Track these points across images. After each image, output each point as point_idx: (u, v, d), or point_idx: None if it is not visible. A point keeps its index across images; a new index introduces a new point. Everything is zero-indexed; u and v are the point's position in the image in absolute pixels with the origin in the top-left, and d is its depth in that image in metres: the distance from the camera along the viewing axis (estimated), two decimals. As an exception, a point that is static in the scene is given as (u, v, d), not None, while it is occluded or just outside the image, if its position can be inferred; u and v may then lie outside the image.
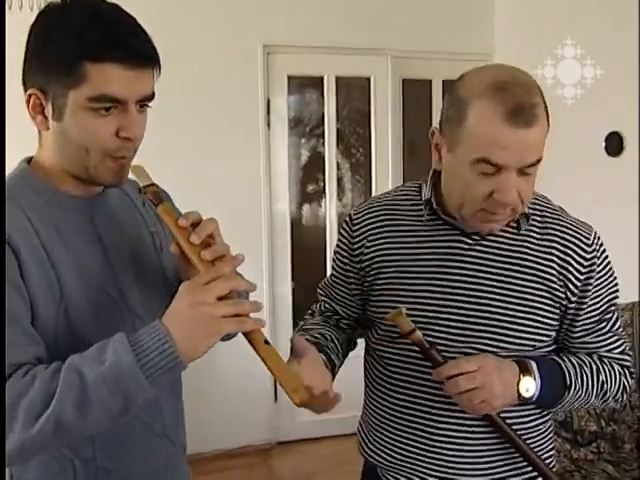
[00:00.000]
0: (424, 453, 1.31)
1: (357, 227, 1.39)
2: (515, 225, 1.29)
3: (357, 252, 1.39)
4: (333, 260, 1.49)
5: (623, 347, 1.33)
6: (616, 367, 1.32)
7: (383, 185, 3.89)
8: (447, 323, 1.27)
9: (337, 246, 1.46)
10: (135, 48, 1.03)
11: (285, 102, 3.74)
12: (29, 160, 1.16)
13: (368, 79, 3.86)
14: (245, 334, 1.00)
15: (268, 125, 3.69)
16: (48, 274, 1.03)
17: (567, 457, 2.60)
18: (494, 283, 1.27)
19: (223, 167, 3.54)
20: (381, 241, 1.36)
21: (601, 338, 1.32)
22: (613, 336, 1.33)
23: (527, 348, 1.26)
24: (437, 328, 1.27)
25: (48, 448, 0.97)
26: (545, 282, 1.27)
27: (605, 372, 1.30)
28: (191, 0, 3.47)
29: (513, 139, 1.12)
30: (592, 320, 1.30)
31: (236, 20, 3.55)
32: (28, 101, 1.07)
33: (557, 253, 1.28)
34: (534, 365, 1.23)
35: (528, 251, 1.28)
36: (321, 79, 3.78)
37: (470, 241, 1.29)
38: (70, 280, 1.05)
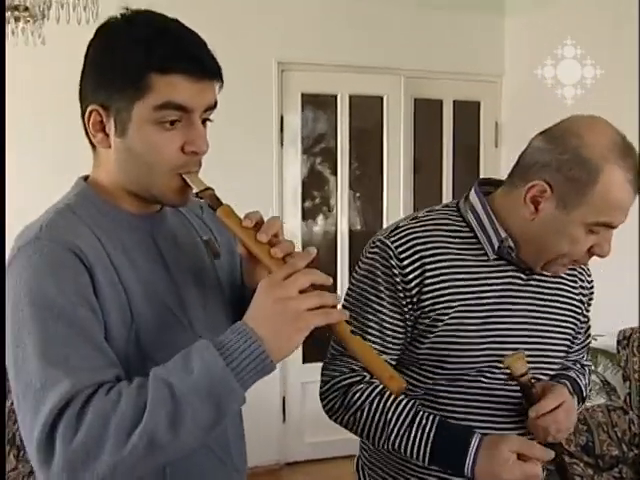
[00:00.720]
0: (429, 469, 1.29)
1: (409, 261, 1.26)
2: None
3: (415, 291, 1.25)
4: (358, 297, 1.32)
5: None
6: (587, 370, 1.47)
7: (395, 203, 3.92)
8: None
9: (369, 280, 1.29)
10: (201, 61, 1.02)
11: (298, 119, 3.75)
12: (85, 178, 1.12)
13: (381, 98, 3.88)
14: (331, 327, 0.95)
15: (281, 142, 3.69)
16: (119, 296, 0.99)
17: (590, 482, 2.59)
18: (546, 315, 1.33)
19: (236, 183, 3.49)
20: (442, 277, 1.26)
21: (584, 350, 1.47)
22: (586, 345, 1.48)
23: (555, 366, 1.37)
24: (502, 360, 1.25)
25: (138, 470, 0.90)
26: (574, 309, 1.37)
27: (586, 379, 1.44)
28: (207, 17, 3.46)
29: (632, 203, 1.20)
30: (584, 336, 1.45)
31: (251, 37, 3.54)
32: (88, 118, 1.03)
33: (580, 282, 1.39)
34: (570, 387, 1.33)
35: (564, 281, 1.37)
36: (335, 97, 3.80)
37: (524, 276, 1.31)
38: (140, 303, 1.02)
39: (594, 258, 1.25)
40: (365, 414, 1.26)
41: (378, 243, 1.30)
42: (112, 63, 1.01)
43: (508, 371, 1.23)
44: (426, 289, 1.25)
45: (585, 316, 1.42)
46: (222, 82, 1.06)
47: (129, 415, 0.87)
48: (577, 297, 1.37)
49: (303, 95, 3.74)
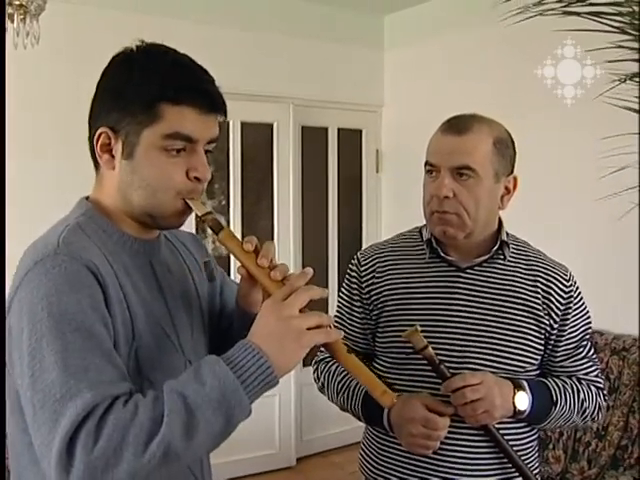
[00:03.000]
0: (431, 469, 1.45)
1: (365, 267, 1.57)
2: (501, 254, 1.50)
3: (367, 289, 1.56)
4: (340, 302, 1.62)
5: (597, 371, 1.54)
6: (592, 388, 1.52)
7: (285, 226, 4.04)
8: (447, 347, 1.44)
9: (346, 286, 1.62)
10: (210, 95, 1.08)
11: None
12: (86, 199, 1.15)
13: (271, 125, 4.01)
14: (328, 344, 1.04)
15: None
16: (124, 314, 1.04)
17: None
18: (487, 312, 1.46)
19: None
20: (387, 277, 1.54)
21: (578, 363, 1.52)
22: (589, 361, 1.53)
23: (517, 369, 1.45)
24: (438, 353, 1.40)
25: (153, 477, 0.93)
26: (531, 310, 1.47)
27: (584, 392, 1.49)
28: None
29: (442, 143, 1.45)
30: (571, 346, 1.50)
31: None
32: (97, 139, 1.08)
33: (541, 286, 1.49)
34: (525, 383, 1.42)
35: (516, 283, 1.49)
36: (227, 124, 3.84)
37: (465, 275, 1.49)
38: (141, 322, 1.06)
39: None
40: (327, 380, 1.60)
41: (354, 257, 1.62)
42: (127, 90, 1.06)
43: (411, 345, 1.39)
44: (375, 287, 1.54)
45: (564, 325, 1.48)
46: (226, 117, 1.13)
47: (147, 426, 0.91)
48: (536, 301, 1.46)
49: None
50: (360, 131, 4.38)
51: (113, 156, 1.09)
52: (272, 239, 4.03)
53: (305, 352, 1.00)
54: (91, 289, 0.99)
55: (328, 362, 1.61)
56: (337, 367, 1.59)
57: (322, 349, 1.59)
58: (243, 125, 3.91)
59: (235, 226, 3.95)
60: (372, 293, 1.55)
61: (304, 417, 4.13)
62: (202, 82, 1.09)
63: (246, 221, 3.98)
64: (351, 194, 4.39)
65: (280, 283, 1.06)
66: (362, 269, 1.57)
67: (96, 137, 1.09)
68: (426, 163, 1.47)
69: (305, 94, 4.02)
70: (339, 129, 4.28)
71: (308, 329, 0.99)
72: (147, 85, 1.06)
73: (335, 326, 1.49)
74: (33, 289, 0.97)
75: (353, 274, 1.60)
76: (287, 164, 4.04)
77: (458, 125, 1.44)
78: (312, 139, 4.20)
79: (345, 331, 1.58)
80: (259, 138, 4.04)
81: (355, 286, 1.58)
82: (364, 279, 1.56)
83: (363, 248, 1.67)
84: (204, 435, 0.94)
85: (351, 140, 4.35)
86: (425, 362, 1.40)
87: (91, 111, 1.12)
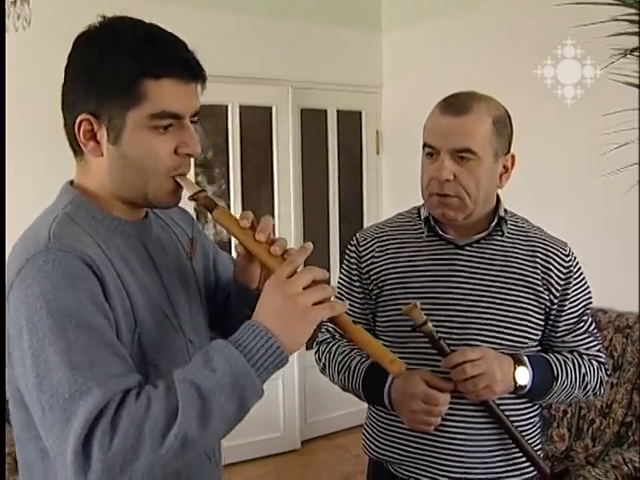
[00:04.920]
0: (433, 446, 1.45)
1: (364, 247, 1.57)
2: (499, 230, 1.49)
3: (366, 269, 1.56)
4: (341, 282, 1.62)
5: (598, 346, 1.55)
6: (594, 363, 1.52)
7: (285, 206, 4.02)
8: (447, 324, 1.44)
9: (346, 267, 1.61)
10: (189, 63, 1.04)
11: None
12: (71, 184, 1.11)
13: (270, 108, 3.97)
14: (334, 318, 1.02)
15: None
16: (124, 302, 1.02)
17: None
18: (486, 288, 1.46)
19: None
20: (386, 256, 1.54)
21: (579, 338, 1.52)
22: (590, 336, 1.54)
23: (517, 345, 1.45)
24: (438, 331, 1.39)
25: (170, 467, 0.93)
26: (531, 286, 1.47)
27: (585, 366, 1.50)
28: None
29: (441, 124, 1.42)
30: (571, 321, 1.51)
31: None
32: (79, 127, 1.03)
33: (540, 261, 1.48)
34: (526, 358, 1.42)
35: (515, 259, 1.48)
36: (225, 107, 3.82)
37: (463, 252, 1.49)
38: (141, 308, 1.04)
39: None
40: (327, 361, 1.59)
41: (353, 237, 1.62)
42: (101, 72, 1.01)
43: (411, 321, 1.38)
44: (374, 266, 1.54)
45: (564, 300, 1.47)
46: (204, 84, 1.09)
47: (162, 418, 0.89)
48: (536, 277, 1.46)
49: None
50: (360, 112, 4.35)
51: (98, 142, 1.05)
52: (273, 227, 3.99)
53: (313, 328, 0.98)
54: (88, 282, 0.97)
55: (329, 343, 1.61)
56: (337, 347, 1.59)
57: (322, 330, 1.62)
58: (242, 108, 3.87)
59: (236, 210, 3.91)
60: (371, 273, 1.55)
61: (308, 400, 4.14)
62: (178, 50, 1.05)
63: (247, 205, 3.96)
64: (351, 176, 4.37)
65: (280, 258, 1.04)
66: (361, 249, 1.58)
67: (77, 125, 1.04)
68: (424, 145, 1.45)
69: (304, 76, 3.99)
70: (338, 111, 4.24)
71: (313, 305, 0.97)
72: (123, 64, 1.01)
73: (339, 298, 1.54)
74: (28, 287, 0.94)
75: (352, 254, 1.60)
76: (287, 147, 4.01)
77: (456, 105, 1.41)
78: (311, 121, 4.17)
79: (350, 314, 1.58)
80: (258, 121, 4.00)
81: (355, 266, 1.59)
82: (363, 259, 1.57)
83: (364, 228, 1.67)
84: (219, 421, 0.93)
85: (351, 122, 4.32)
86: (426, 340, 1.40)
87: (64, 98, 1.07)
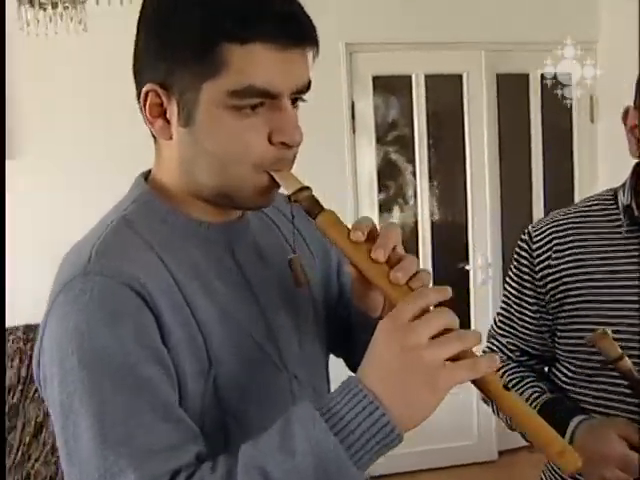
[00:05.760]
0: None
1: (539, 244, 1.26)
2: None
3: (541, 274, 1.25)
4: (507, 290, 1.34)
5: None
6: None
7: (480, 190, 3.62)
8: None
9: (515, 271, 1.31)
10: (290, 20, 0.78)
11: (371, 105, 3.48)
12: (146, 176, 0.90)
13: (460, 76, 3.58)
14: (476, 380, 0.73)
15: (353, 130, 3.44)
16: (195, 338, 0.79)
17: None
18: None
19: (306, 177, 3.29)
20: (570, 258, 1.23)
21: None
22: None
23: None
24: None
25: None
26: None
27: None
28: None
29: None
30: None
31: (315, 17, 3.28)
32: (144, 100, 0.82)
33: None
34: None
35: None
36: (409, 78, 3.52)
37: None
38: (219, 342, 0.81)
39: None
40: None
41: (524, 232, 1.30)
42: (173, 29, 0.78)
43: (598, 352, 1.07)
44: (552, 270, 1.23)
45: None
46: (318, 50, 0.82)
47: None
48: None
49: (374, 78, 3.47)
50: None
51: (168, 121, 0.81)
52: (465, 211, 3.62)
53: (443, 397, 0.70)
54: (136, 317, 0.75)
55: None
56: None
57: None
58: (427, 78, 3.53)
59: (422, 197, 3.60)
60: (548, 279, 1.24)
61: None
62: (276, 4, 0.77)
63: (435, 196, 3.61)
64: (560, 152, 3.83)
65: (404, 288, 0.76)
66: (534, 247, 1.26)
67: (143, 97, 0.81)
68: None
69: (499, 37, 3.51)
70: (542, 75, 3.69)
71: (445, 361, 0.70)
72: (198, 20, 0.76)
73: (491, 341, 1.32)
74: (62, 321, 0.75)
75: (523, 254, 1.28)
76: (480, 120, 3.58)
77: None
78: (510, 89, 3.70)
79: (515, 329, 1.30)
80: (447, 92, 3.64)
81: (526, 270, 1.28)
82: (537, 261, 1.25)
83: (538, 220, 1.32)
84: None
85: (556, 87, 3.71)
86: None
87: (134, 64, 0.84)
